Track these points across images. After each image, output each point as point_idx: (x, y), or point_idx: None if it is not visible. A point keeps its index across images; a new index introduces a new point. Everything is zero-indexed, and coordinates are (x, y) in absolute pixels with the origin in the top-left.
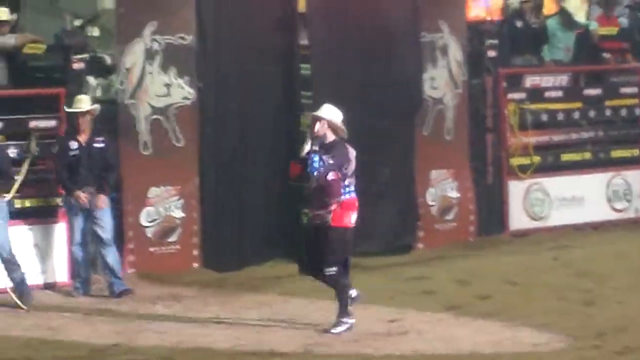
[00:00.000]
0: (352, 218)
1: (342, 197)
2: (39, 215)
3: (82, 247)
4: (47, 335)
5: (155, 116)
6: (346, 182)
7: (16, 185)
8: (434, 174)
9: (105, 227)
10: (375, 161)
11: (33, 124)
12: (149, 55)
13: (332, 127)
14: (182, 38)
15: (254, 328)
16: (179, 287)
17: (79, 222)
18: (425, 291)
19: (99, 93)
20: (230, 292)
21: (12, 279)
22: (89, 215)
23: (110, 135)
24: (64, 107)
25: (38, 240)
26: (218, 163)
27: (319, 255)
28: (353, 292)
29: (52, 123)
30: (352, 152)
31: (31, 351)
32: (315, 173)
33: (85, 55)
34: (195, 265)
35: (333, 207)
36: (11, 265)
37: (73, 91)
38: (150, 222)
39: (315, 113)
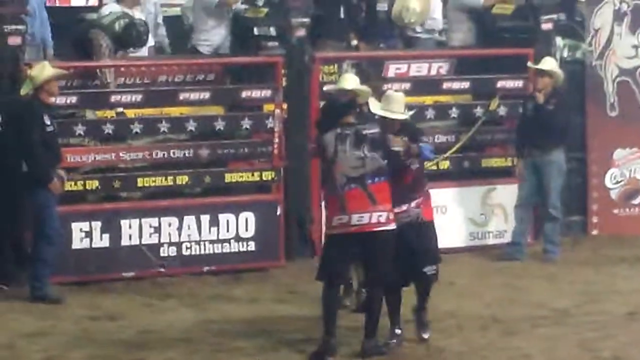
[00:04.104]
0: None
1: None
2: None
3: (523, 209)
4: (514, 295)
5: (622, 77)
6: None
7: (458, 145)
8: None
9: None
10: None
11: (500, 84)
12: (618, 16)
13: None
14: None
15: None
16: None
17: (524, 185)
18: None
19: (565, 54)
20: None
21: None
22: (537, 178)
23: (576, 97)
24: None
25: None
26: None
27: (412, 256)
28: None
29: (518, 83)
30: None
31: (497, 309)
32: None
33: (554, 16)
34: None
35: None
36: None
37: (541, 52)
38: (615, 183)
39: None
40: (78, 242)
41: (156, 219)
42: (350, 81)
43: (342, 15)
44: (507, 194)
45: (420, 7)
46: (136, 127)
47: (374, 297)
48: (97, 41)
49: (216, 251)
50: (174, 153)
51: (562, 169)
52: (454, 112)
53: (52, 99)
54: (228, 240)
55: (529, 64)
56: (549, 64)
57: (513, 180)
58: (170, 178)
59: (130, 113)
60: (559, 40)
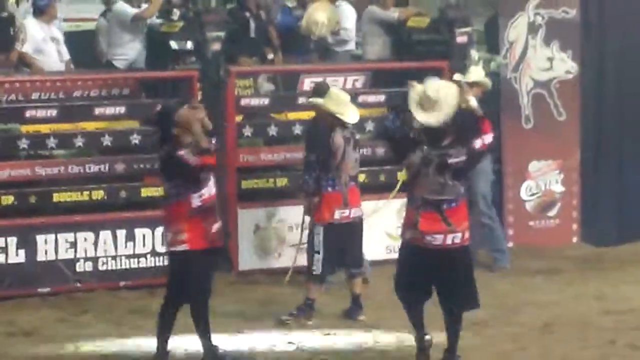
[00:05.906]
0: None
1: None
2: None
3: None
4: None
5: (537, 90)
6: None
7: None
8: None
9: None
10: None
11: None
12: (532, 29)
13: None
14: (566, 12)
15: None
16: (557, 261)
17: None
18: None
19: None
20: (609, 267)
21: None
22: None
23: (491, 109)
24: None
25: None
26: (598, 137)
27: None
28: None
29: None
30: None
31: None
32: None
33: (469, 29)
34: (575, 239)
35: None
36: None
37: (456, 64)
38: (530, 195)
39: None
40: None
41: (72, 234)
42: (329, 99)
43: (252, 35)
44: None
45: (328, 17)
46: (51, 142)
47: None
48: None
49: (132, 266)
50: (89, 168)
51: (489, 176)
52: (369, 126)
53: None
54: (144, 255)
55: (456, 77)
56: (476, 74)
57: None
58: (86, 193)
59: (46, 128)
60: (474, 53)
